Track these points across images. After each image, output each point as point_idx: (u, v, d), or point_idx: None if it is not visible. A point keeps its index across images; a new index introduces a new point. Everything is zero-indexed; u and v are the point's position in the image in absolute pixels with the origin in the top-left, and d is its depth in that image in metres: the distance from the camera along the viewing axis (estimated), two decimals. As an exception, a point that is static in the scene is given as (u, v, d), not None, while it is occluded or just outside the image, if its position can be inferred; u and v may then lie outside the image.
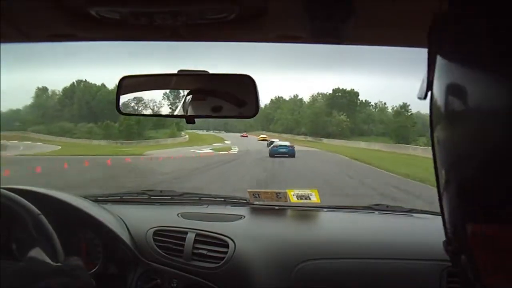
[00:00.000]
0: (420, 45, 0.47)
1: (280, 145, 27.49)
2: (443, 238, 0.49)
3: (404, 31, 0.89)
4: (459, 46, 0.41)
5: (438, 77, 0.44)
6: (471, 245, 0.40)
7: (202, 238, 1.61)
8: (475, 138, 0.39)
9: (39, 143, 43.75)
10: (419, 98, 0.50)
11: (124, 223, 1.67)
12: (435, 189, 0.49)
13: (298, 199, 1.97)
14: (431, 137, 0.47)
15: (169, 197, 2.11)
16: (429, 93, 0.47)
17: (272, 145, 27.69)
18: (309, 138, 59.57)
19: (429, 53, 0.48)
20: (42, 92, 69.05)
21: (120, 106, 1.23)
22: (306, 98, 79.53)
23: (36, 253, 1.24)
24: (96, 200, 1.93)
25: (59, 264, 1.24)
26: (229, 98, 1.18)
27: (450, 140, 0.43)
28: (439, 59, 0.44)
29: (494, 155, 0.37)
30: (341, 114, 64.05)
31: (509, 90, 0.35)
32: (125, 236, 1.60)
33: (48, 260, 1.23)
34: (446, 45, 0.44)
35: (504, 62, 0.36)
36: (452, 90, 0.42)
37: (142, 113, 1.30)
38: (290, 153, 26.05)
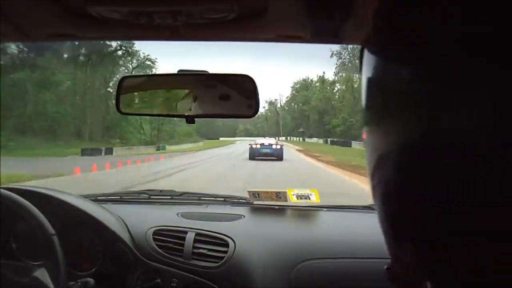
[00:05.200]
0: None
1: (263, 144, 22.97)
2: None
3: None
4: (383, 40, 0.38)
5: (364, 71, 0.40)
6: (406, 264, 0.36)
7: (202, 237, 1.61)
8: (390, 132, 0.34)
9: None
10: None
11: (124, 223, 1.67)
12: None
13: (298, 198, 1.98)
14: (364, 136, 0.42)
15: (169, 197, 2.12)
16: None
17: (253, 144, 23.45)
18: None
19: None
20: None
21: (121, 106, 1.24)
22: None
23: (40, 274, 1.22)
24: (96, 200, 1.94)
25: None
26: (229, 98, 1.19)
27: (373, 137, 0.38)
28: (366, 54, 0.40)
29: (410, 153, 0.31)
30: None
31: (419, 77, 0.31)
32: (125, 236, 1.60)
33: (51, 286, 1.21)
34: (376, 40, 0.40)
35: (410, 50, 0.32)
36: (372, 84, 0.38)
37: (142, 112, 1.30)
38: (276, 154, 21.71)
